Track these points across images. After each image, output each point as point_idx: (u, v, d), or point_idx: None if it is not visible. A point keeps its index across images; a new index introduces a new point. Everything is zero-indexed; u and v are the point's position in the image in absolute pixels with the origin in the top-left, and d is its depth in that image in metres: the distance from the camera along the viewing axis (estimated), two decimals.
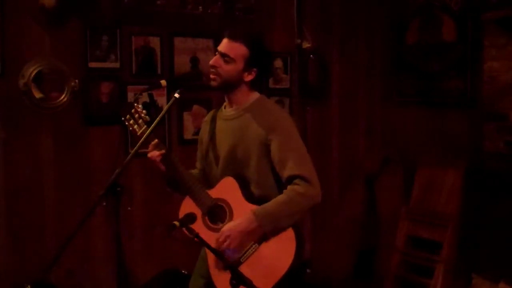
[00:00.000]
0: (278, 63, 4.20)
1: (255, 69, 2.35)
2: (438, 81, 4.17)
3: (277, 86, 4.21)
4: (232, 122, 2.41)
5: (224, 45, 2.35)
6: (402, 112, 4.49)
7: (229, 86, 2.37)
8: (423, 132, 4.32)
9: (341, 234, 4.50)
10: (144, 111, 2.38)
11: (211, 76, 2.36)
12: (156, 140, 2.33)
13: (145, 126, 2.35)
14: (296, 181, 2.25)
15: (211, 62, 2.36)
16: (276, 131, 2.29)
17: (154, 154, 2.33)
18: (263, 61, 2.42)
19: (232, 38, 2.34)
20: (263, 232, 2.24)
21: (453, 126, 4.10)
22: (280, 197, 2.27)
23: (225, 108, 2.48)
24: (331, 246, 4.41)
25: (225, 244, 2.23)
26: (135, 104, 2.39)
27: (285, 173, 2.27)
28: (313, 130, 4.26)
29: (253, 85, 2.41)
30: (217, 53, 2.37)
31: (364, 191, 4.62)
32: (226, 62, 2.32)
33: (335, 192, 4.51)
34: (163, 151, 2.33)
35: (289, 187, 2.27)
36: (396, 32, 4.48)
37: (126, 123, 2.39)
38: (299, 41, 4.19)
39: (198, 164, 2.63)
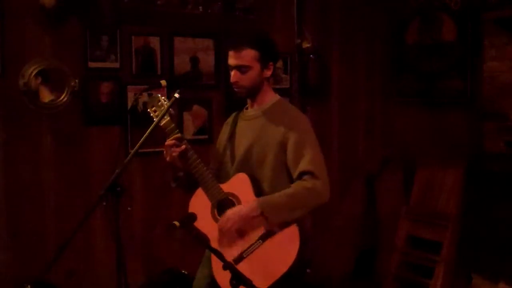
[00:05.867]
0: (278, 63, 4.20)
1: (271, 63, 2.41)
2: (438, 81, 4.17)
3: (277, 86, 4.20)
4: (251, 122, 2.47)
5: (233, 58, 2.37)
6: (402, 112, 4.49)
7: (255, 90, 2.42)
8: (423, 132, 4.32)
9: (341, 234, 4.50)
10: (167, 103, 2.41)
11: (236, 90, 2.41)
12: (179, 134, 2.37)
13: (168, 118, 2.38)
14: (306, 177, 2.29)
15: (231, 80, 2.40)
16: (293, 130, 2.35)
17: (171, 148, 2.35)
18: (274, 51, 2.46)
19: (237, 48, 2.36)
20: (266, 221, 2.26)
21: (453, 126, 4.10)
22: (287, 190, 2.30)
23: (247, 109, 2.54)
24: (331, 246, 4.40)
25: (227, 226, 2.29)
26: (163, 98, 2.40)
27: (297, 170, 2.31)
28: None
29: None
30: (230, 69, 2.40)
31: (364, 191, 4.61)
32: (244, 72, 2.36)
33: (335, 192, 4.45)
34: (183, 147, 2.36)
35: (297, 181, 2.31)
36: (396, 32, 4.47)
37: (151, 114, 2.42)
38: (299, 41, 4.19)
39: (212, 165, 2.63)
